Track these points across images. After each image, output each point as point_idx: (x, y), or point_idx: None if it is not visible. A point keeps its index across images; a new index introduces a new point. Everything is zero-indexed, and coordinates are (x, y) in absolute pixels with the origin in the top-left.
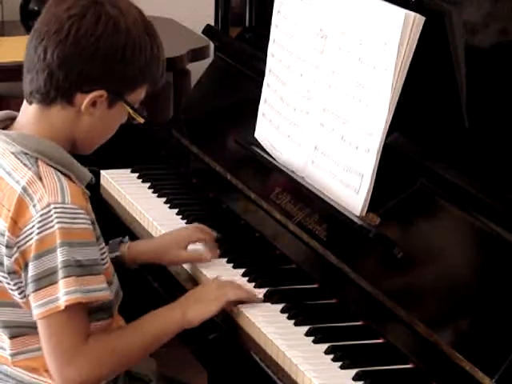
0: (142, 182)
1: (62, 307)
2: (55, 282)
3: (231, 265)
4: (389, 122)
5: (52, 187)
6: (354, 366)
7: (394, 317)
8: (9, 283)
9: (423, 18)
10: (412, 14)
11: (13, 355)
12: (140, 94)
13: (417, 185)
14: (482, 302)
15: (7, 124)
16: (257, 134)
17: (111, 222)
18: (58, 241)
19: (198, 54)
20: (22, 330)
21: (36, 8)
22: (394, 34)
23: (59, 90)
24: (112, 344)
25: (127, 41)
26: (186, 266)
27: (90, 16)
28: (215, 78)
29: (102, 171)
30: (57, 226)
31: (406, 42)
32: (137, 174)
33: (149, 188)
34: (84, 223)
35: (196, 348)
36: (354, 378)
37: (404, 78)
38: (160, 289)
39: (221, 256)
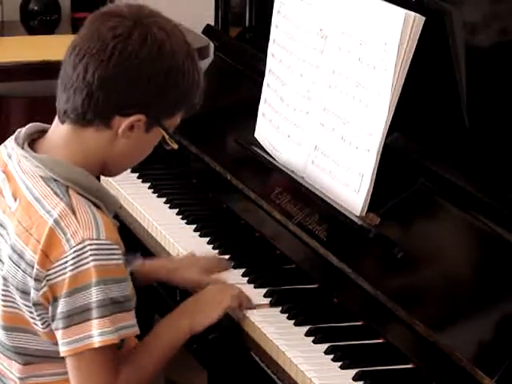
0: (142, 182)
1: (96, 346)
2: (88, 320)
3: (231, 265)
4: (389, 122)
5: (86, 221)
6: (354, 366)
7: (394, 317)
8: (32, 312)
9: (423, 18)
10: (412, 14)
11: (22, 379)
12: (177, 120)
13: (417, 185)
14: (481, 302)
15: (34, 137)
16: (257, 134)
17: None
18: (94, 279)
19: (197, 54)
20: (36, 359)
21: (36, 8)
22: (394, 34)
23: (97, 111)
24: (135, 373)
25: (171, 65)
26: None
27: (136, 37)
28: (215, 78)
29: None
30: (92, 263)
31: (406, 42)
32: (137, 174)
33: (149, 188)
34: (119, 259)
35: (196, 348)
36: (354, 378)
37: (404, 78)
38: (159, 288)
39: (221, 256)
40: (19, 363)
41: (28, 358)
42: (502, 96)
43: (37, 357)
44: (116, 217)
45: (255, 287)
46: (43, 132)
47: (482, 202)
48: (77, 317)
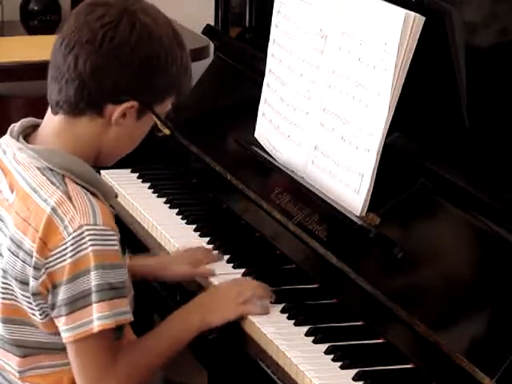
0: (142, 182)
1: (95, 331)
2: (88, 305)
3: (231, 265)
4: (389, 122)
5: (83, 208)
6: (354, 366)
7: (394, 317)
8: (30, 303)
9: (423, 18)
10: (412, 13)
11: (21, 372)
12: (168, 105)
13: (417, 185)
14: (482, 302)
15: (28, 132)
16: (257, 134)
17: None
18: (92, 263)
19: (198, 54)
20: (33, 351)
21: (36, 8)
22: (394, 34)
23: (90, 100)
24: (137, 357)
25: (160, 50)
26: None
27: (124, 25)
28: (215, 78)
29: (101, 171)
30: (90, 248)
31: (406, 42)
32: (137, 174)
33: (149, 188)
34: (115, 245)
35: (196, 348)
36: (354, 378)
37: (404, 78)
38: (159, 287)
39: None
40: (18, 356)
41: (26, 350)
42: (502, 96)
43: (35, 349)
44: (116, 216)
45: None
46: (37, 127)
47: (482, 202)
48: (78, 302)
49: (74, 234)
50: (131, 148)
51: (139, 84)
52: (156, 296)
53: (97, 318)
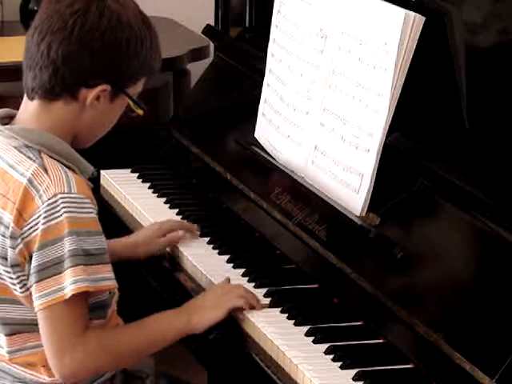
0: (142, 182)
1: (68, 296)
2: (61, 272)
3: (231, 265)
4: (389, 122)
5: (58, 178)
6: (354, 366)
7: (394, 317)
8: (11, 277)
9: (423, 18)
10: (412, 13)
11: (10, 352)
12: (140, 86)
13: (417, 185)
14: (481, 302)
15: (6, 122)
16: (257, 134)
17: (111, 222)
18: (66, 230)
19: (198, 54)
20: (20, 328)
21: (36, 8)
22: (394, 34)
23: (64, 85)
24: (110, 340)
25: (130, 34)
26: (184, 265)
27: (94, 11)
28: (215, 78)
29: (101, 171)
30: (64, 215)
31: (406, 42)
32: (137, 174)
33: (149, 188)
34: (91, 212)
35: (196, 348)
36: (354, 378)
37: (404, 78)
38: (158, 287)
39: (221, 256)
40: (5, 335)
41: (13, 327)
42: (502, 96)
43: (21, 325)
44: (116, 217)
45: (255, 287)
46: (13, 117)
47: (482, 202)
48: (49, 269)
49: (49, 202)
50: (107, 129)
51: (111, 68)
52: (156, 296)
53: (70, 282)
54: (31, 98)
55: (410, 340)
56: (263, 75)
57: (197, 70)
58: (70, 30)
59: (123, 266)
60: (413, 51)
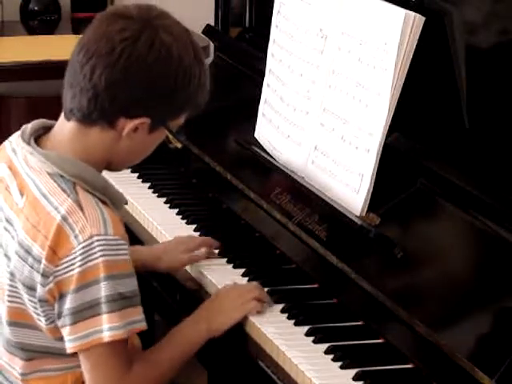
0: (142, 182)
1: (105, 341)
2: (98, 315)
3: (231, 265)
4: (389, 122)
5: (94, 218)
6: (354, 365)
7: (394, 317)
8: (36, 309)
9: (423, 18)
10: (412, 13)
11: (24, 374)
12: (181, 120)
13: (417, 185)
14: (481, 302)
15: (40, 134)
16: (257, 134)
17: None
18: (102, 274)
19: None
20: (39, 355)
21: (36, 8)
22: (394, 34)
23: (102, 112)
24: (150, 369)
25: (178, 69)
26: (187, 267)
27: (144, 40)
28: (215, 78)
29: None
30: (100, 258)
31: (406, 42)
32: (137, 174)
33: (149, 188)
34: (126, 254)
35: None
36: (354, 378)
37: (404, 78)
38: (159, 287)
39: (221, 256)
40: (23, 359)
41: (32, 353)
42: (502, 96)
43: (40, 352)
44: None
45: None
46: (49, 128)
47: (482, 202)
48: (85, 312)
49: (84, 244)
50: (141, 158)
51: (154, 102)
52: (156, 296)
53: (107, 328)
54: (68, 119)
55: (409, 340)
56: (263, 75)
57: None
58: (116, 57)
59: None
60: (413, 51)
